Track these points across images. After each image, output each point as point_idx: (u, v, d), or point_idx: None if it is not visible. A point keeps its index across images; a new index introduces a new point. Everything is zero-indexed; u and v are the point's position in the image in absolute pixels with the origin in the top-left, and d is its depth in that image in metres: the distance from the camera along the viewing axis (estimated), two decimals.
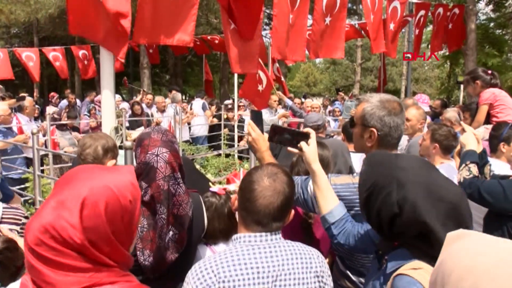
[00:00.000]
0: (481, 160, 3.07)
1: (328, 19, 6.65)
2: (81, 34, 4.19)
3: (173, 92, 11.61)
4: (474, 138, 3.08)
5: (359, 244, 1.94)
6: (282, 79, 9.67)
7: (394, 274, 1.45)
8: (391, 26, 8.10)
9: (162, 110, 10.57)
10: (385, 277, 1.52)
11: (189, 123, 10.50)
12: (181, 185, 2.14)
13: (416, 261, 1.44)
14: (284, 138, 2.18)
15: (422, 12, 8.91)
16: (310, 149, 2.10)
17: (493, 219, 3.08)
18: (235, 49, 5.09)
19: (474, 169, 2.95)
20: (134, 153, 2.22)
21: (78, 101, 13.63)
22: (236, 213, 2.44)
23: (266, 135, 2.28)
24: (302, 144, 2.11)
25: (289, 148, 2.18)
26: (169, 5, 4.44)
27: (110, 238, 1.35)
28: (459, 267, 0.89)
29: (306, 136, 2.13)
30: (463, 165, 3.00)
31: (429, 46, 9.76)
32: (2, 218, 2.67)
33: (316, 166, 2.08)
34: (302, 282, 1.67)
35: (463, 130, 3.21)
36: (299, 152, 2.15)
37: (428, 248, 1.42)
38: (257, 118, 2.37)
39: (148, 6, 4.35)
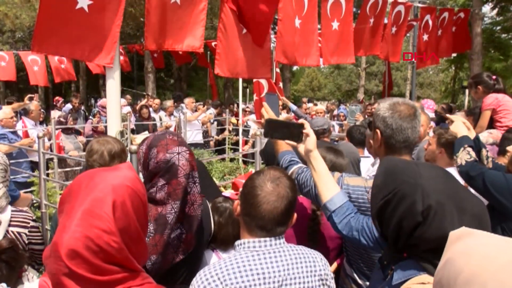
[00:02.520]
0: (475, 146, 3.03)
1: (335, 24, 6.68)
2: (47, 52, 4.18)
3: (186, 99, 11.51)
4: (464, 125, 3.04)
5: (362, 238, 1.89)
6: (280, 85, 9.73)
7: (401, 287, 1.39)
8: (393, 30, 8.12)
9: (171, 115, 10.59)
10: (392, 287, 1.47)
11: (203, 124, 10.43)
12: (197, 184, 2.15)
13: (425, 275, 1.37)
14: (279, 131, 2.17)
15: (428, 17, 8.87)
16: (310, 138, 2.11)
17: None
18: (247, 54, 5.10)
19: (473, 153, 2.88)
20: (143, 156, 2.19)
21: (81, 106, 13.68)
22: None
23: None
24: (305, 131, 2.11)
25: (286, 141, 2.18)
26: (176, 10, 4.44)
27: (140, 235, 1.38)
28: (466, 270, 0.87)
29: (300, 127, 2.13)
30: (462, 148, 2.91)
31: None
32: (10, 221, 2.68)
33: (316, 153, 2.08)
34: (307, 286, 1.68)
35: (451, 122, 3.18)
36: (295, 145, 2.16)
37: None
38: (271, 101, 2.39)
39: (156, 12, 4.35)
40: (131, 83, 27.10)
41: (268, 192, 1.68)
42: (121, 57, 14.03)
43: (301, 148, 2.13)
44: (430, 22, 8.87)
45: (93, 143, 2.85)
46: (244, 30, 5.08)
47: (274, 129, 2.17)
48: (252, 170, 5.10)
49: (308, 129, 2.12)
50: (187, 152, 2.11)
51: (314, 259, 1.75)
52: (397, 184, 1.46)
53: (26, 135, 7.59)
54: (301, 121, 2.16)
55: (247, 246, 1.68)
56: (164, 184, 2.04)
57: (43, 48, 3.96)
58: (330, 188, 2.01)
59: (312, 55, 6.39)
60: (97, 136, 3.16)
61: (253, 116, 10.57)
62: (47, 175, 6.21)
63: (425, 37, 8.94)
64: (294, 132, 2.13)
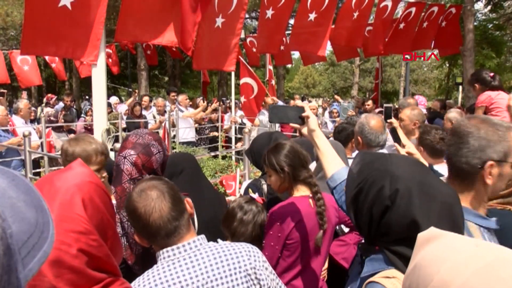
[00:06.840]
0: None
1: (312, 16, 6.77)
2: (34, 53, 4.26)
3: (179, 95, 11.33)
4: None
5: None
6: (273, 82, 9.78)
7: (367, 281, 1.40)
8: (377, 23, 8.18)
9: (163, 113, 10.35)
10: (361, 280, 1.47)
11: (197, 122, 10.24)
12: None
13: (392, 269, 1.38)
14: (284, 116, 2.25)
15: (412, 9, 8.87)
16: (311, 119, 2.15)
17: None
18: (217, 47, 5.21)
19: None
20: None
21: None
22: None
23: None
24: (305, 114, 2.16)
25: (291, 124, 2.24)
26: (154, 4, 4.43)
27: (113, 227, 1.37)
28: (436, 278, 0.84)
29: (301, 110, 2.20)
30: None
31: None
32: None
33: (318, 132, 2.13)
34: (232, 285, 1.61)
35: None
36: (299, 127, 2.20)
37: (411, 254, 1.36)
38: None
39: (133, 4, 4.35)
40: (125, 81, 26.98)
41: (146, 204, 1.59)
42: (110, 60, 13.93)
43: (305, 130, 2.18)
44: (413, 14, 8.87)
45: (65, 144, 2.76)
46: (216, 24, 5.15)
47: (278, 114, 2.26)
48: (242, 167, 5.08)
49: (308, 112, 2.17)
50: (135, 155, 2.03)
51: (238, 255, 1.67)
52: (369, 172, 1.50)
53: (16, 133, 7.51)
54: (300, 104, 2.22)
55: (163, 256, 1.61)
56: (115, 192, 1.98)
57: (31, 50, 4.09)
58: (332, 166, 2.05)
59: (273, 44, 6.65)
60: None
61: (239, 113, 10.51)
62: (39, 173, 6.16)
63: (401, 25, 8.94)
64: (296, 115, 2.21)
